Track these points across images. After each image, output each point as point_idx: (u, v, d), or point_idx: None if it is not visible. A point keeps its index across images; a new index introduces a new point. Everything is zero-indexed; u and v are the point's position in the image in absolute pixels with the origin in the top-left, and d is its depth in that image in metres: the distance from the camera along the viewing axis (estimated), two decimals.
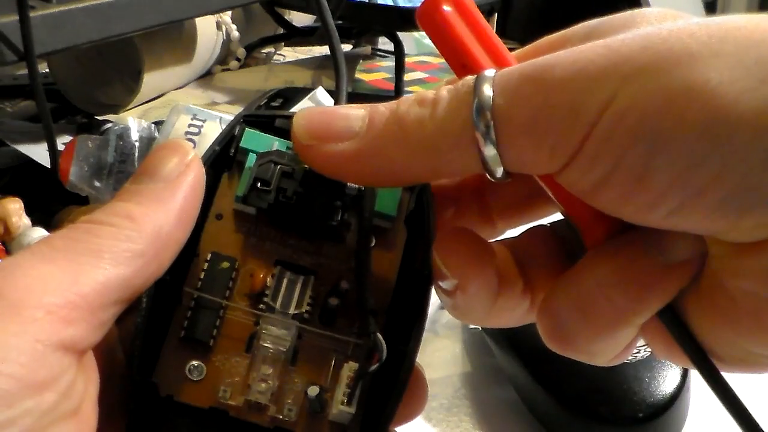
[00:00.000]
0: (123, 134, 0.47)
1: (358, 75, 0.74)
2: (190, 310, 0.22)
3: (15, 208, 0.42)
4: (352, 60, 0.77)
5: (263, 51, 0.78)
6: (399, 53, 0.65)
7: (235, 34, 0.71)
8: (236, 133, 0.24)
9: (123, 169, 0.46)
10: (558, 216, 0.23)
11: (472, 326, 0.43)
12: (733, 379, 0.20)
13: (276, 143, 0.23)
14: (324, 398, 0.21)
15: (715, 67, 0.17)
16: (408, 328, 0.22)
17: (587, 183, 0.18)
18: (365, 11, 0.64)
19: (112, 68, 0.63)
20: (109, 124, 0.50)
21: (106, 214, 0.20)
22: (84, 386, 0.19)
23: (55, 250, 0.19)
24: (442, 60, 0.80)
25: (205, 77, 0.71)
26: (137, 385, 0.21)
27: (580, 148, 0.18)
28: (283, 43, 0.81)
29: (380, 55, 0.84)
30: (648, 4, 0.71)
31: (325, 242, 0.23)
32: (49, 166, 0.48)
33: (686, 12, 0.70)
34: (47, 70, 0.64)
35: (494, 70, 0.19)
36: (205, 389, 0.21)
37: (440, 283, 0.22)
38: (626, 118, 0.17)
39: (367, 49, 0.84)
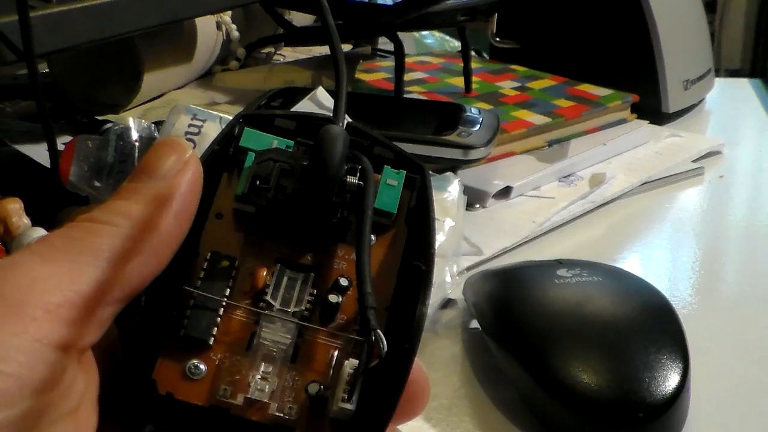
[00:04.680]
0: (123, 134, 0.47)
1: (358, 75, 0.74)
2: (190, 309, 0.22)
3: (15, 208, 0.42)
4: (352, 60, 0.77)
5: (263, 51, 0.78)
6: (399, 53, 0.65)
7: (235, 34, 0.71)
8: (235, 132, 0.24)
9: (123, 169, 0.46)
10: None
11: (472, 326, 0.43)
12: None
13: (275, 142, 0.24)
14: (324, 395, 0.21)
15: None
16: (408, 325, 0.22)
17: None
18: (365, 11, 0.64)
19: (112, 68, 0.63)
20: (109, 124, 0.50)
21: (104, 212, 0.20)
22: (84, 385, 0.19)
23: (54, 249, 0.19)
24: (442, 60, 0.80)
25: (205, 77, 0.71)
26: (136, 383, 0.21)
27: None
28: (283, 43, 0.81)
29: (380, 55, 0.84)
30: (649, 5, 0.71)
31: (325, 240, 0.23)
32: (49, 166, 0.47)
33: (686, 12, 0.70)
34: (47, 70, 0.64)
35: None
36: (205, 388, 0.21)
37: None
38: None
39: (367, 49, 0.84)
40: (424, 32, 0.98)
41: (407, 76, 0.69)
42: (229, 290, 0.22)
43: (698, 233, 0.56)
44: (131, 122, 0.48)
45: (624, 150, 0.65)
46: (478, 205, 0.56)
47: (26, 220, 0.41)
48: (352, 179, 0.23)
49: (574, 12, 0.77)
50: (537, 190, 0.59)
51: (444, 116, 0.58)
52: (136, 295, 0.20)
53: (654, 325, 0.37)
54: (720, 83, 0.84)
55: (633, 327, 0.37)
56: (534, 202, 0.57)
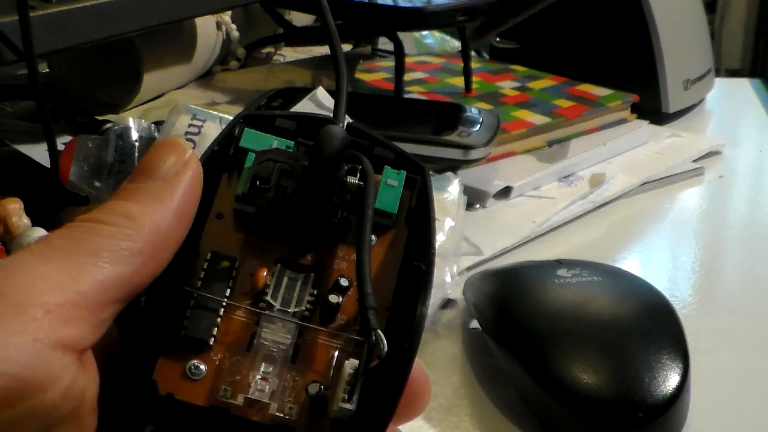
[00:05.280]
0: (123, 134, 0.47)
1: (358, 75, 0.74)
2: (190, 309, 0.22)
3: (15, 208, 0.42)
4: (352, 60, 0.77)
5: (263, 51, 0.78)
6: (399, 53, 0.65)
7: (235, 34, 0.71)
8: (236, 132, 0.24)
9: (123, 169, 0.46)
10: None
11: (472, 326, 0.43)
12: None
13: (275, 142, 0.24)
14: (325, 396, 0.21)
15: None
16: (408, 325, 0.22)
17: None
18: (365, 11, 0.64)
19: (112, 68, 0.63)
20: (109, 124, 0.50)
21: (104, 212, 0.20)
22: (84, 385, 0.19)
23: (54, 249, 0.19)
24: (442, 60, 0.80)
25: (205, 77, 0.71)
26: (137, 384, 0.21)
27: None
28: (283, 43, 0.81)
29: (380, 55, 0.84)
30: (649, 5, 0.71)
31: (325, 240, 0.23)
32: (49, 166, 0.47)
33: (686, 12, 0.70)
34: (47, 70, 0.64)
35: None
36: (206, 388, 0.21)
37: None
38: None
39: (367, 49, 0.84)
40: (424, 32, 0.98)
41: (407, 76, 0.69)
42: (229, 291, 0.22)
43: (698, 233, 0.56)
44: (131, 122, 0.48)
45: (624, 150, 0.65)
46: (478, 205, 0.56)
47: (26, 220, 0.41)
48: (353, 179, 0.23)
49: (573, 12, 0.77)
50: (537, 190, 0.59)
51: (444, 116, 0.58)
52: (136, 295, 0.20)
53: (654, 325, 0.37)
54: (720, 83, 0.84)
55: (633, 327, 0.37)
56: (534, 202, 0.57)
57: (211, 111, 0.46)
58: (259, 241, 0.23)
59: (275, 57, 0.81)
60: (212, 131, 0.45)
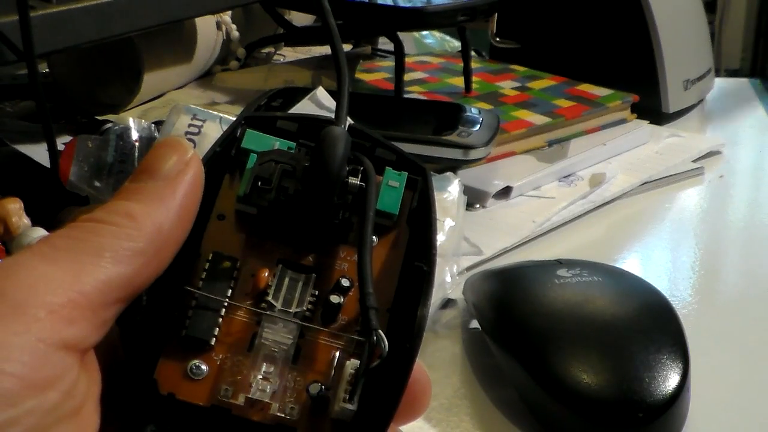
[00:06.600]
0: (123, 134, 0.47)
1: (358, 75, 0.74)
2: (191, 309, 0.22)
3: (15, 208, 0.42)
4: (352, 60, 0.77)
5: (263, 51, 0.78)
6: (399, 53, 0.65)
7: (235, 34, 0.71)
8: (237, 134, 0.24)
9: (123, 169, 0.47)
10: None
11: (472, 326, 0.43)
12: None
13: (277, 143, 0.24)
14: (326, 396, 0.21)
15: None
16: (409, 325, 0.22)
17: None
18: (365, 11, 0.64)
19: (112, 68, 0.63)
20: (109, 124, 0.50)
21: (106, 212, 0.20)
22: (86, 385, 0.19)
23: (56, 249, 0.19)
24: (442, 60, 0.80)
25: (205, 77, 0.71)
26: (138, 384, 0.21)
27: None
28: (283, 43, 0.81)
29: (380, 55, 0.84)
30: (649, 5, 0.71)
31: (327, 241, 0.23)
32: (49, 166, 0.47)
33: (686, 12, 0.70)
34: (47, 70, 0.64)
35: None
36: (207, 388, 0.21)
37: None
38: None
39: (367, 49, 0.84)
40: (424, 32, 0.98)
41: (407, 76, 0.69)
42: (230, 291, 0.22)
43: (698, 233, 0.56)
44: (131, 122, 0.48)
45: (624, 150, 0.66)
46: (478, 205, 0.56)
47: (26, 220, 0.41)
48: (354, 180, 0.23)
49: (574, 12, 0.77)
50: (537, 190, 0.59)
51: (444, 116, 0.58)
52: (138, 295, 0.20)
53: (654, 325, 0.37)
54: (720, 83, 0.84)
55: (633, 327, 0.37)
56: (534, 202, 0.57)
57: (211, 111, 0.46)
58: (261, 242, 0.23)
59: (275, 57, 0.81)
60: (212, 131, 0.45)
